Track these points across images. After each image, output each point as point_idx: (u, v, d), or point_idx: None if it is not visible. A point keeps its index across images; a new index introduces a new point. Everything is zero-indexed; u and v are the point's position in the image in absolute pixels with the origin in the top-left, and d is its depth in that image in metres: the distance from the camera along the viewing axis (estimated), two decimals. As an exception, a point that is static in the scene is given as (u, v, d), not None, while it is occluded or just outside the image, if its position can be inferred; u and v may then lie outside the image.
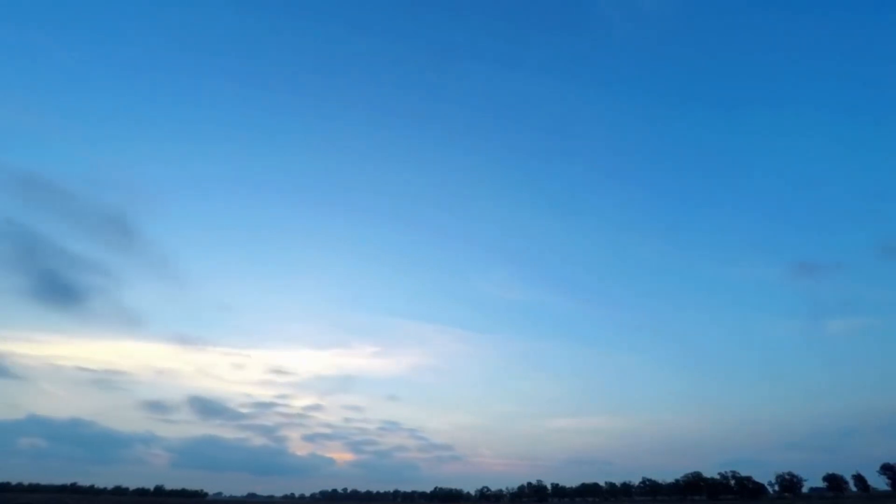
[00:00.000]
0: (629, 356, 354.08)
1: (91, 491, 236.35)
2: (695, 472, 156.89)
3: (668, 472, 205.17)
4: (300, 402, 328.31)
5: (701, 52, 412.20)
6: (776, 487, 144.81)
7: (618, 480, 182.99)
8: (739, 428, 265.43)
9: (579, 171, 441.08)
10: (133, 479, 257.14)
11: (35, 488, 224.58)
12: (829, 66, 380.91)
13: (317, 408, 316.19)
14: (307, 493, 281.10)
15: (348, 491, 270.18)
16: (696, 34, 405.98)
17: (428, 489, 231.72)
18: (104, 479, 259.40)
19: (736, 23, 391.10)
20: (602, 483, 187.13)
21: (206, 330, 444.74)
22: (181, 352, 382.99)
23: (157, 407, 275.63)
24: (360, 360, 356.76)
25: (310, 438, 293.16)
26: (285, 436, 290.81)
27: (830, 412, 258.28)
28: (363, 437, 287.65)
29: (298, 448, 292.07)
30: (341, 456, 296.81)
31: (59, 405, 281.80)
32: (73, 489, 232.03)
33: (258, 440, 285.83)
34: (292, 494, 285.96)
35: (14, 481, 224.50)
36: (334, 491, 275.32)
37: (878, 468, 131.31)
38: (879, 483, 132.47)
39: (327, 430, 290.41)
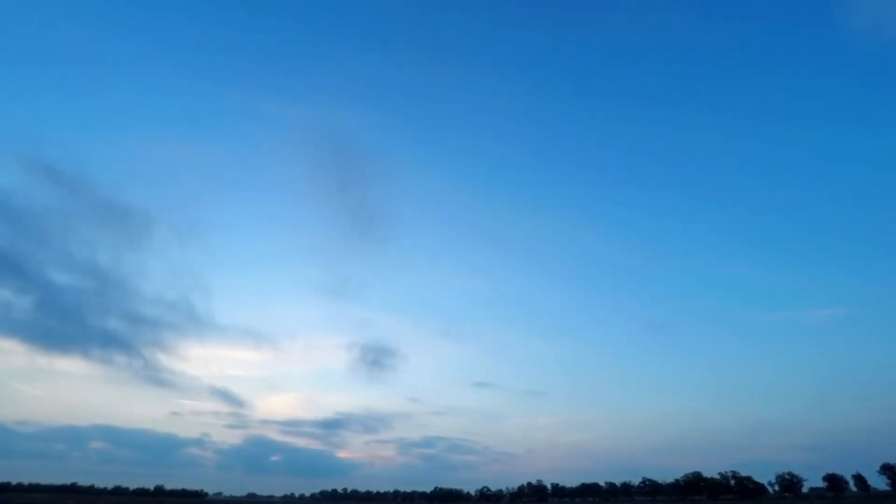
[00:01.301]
0: (629, 354, 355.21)
1: (91, 491, 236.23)
2: (695, 472, 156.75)
3: (668, 472, 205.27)
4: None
5: (695, 54, 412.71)
6: (776, 487, 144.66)
7: (618, 480, 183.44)
8: (740, 428, 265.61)
9: (577, 169, 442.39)
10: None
11: (35, 488, 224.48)
12: (824, 70, 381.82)
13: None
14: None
15: (348, 491, 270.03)
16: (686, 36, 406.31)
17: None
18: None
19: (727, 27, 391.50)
20: (602, 483, 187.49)
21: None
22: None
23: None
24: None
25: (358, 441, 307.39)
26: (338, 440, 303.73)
27: (830, 412, 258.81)
28: (410, 440, 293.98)
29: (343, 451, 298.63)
30: (381, 456, 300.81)
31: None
32: (73, 489, 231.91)
33: (307, 443, 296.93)
34: (292, 494, 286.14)
35: (14, 481, 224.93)
36: (334, 491, 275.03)
37: (878, 468, 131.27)
38: (879, 483, 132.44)
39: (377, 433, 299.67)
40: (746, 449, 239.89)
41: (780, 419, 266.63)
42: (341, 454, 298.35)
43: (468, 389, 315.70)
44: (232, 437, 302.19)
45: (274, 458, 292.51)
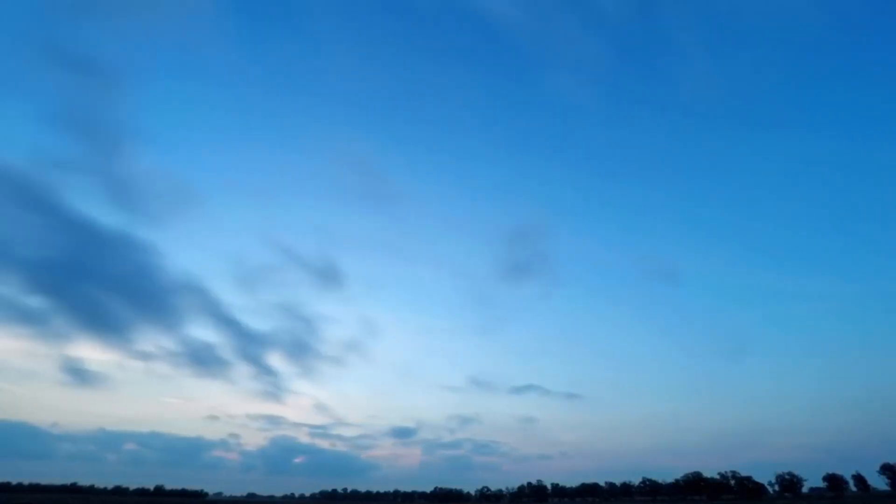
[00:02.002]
0: (629, 355, 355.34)
1: (91, 491, 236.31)
2: (695, 472, 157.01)
3: (668, 472, 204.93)
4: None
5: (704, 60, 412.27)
6: (776, 487, 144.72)
7: (618, 480, 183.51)
8: (740, 428, 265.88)
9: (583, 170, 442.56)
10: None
11: (35, 488, 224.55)
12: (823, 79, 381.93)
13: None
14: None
15: (348, 491, 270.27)
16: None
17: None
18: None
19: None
20: (602, 483, 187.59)
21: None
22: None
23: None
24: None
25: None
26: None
27: (830, 412, 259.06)
28: (437, 441, 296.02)
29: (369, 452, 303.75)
30: (404, 456, 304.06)
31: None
32: (73, 489, 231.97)
33: (342, 446, 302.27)
34: (292, 494, 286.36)
35: (15, 481, 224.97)
36: (334, 491, 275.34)
37: (878, 468, 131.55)
38: (879, 483, 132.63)
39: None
40: (746, 449, 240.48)
41: (780, 419, 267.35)
42: (365, 455, 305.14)
43: (508, 393, 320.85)
44: (320, 444, 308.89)
45: (297, 460, 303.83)
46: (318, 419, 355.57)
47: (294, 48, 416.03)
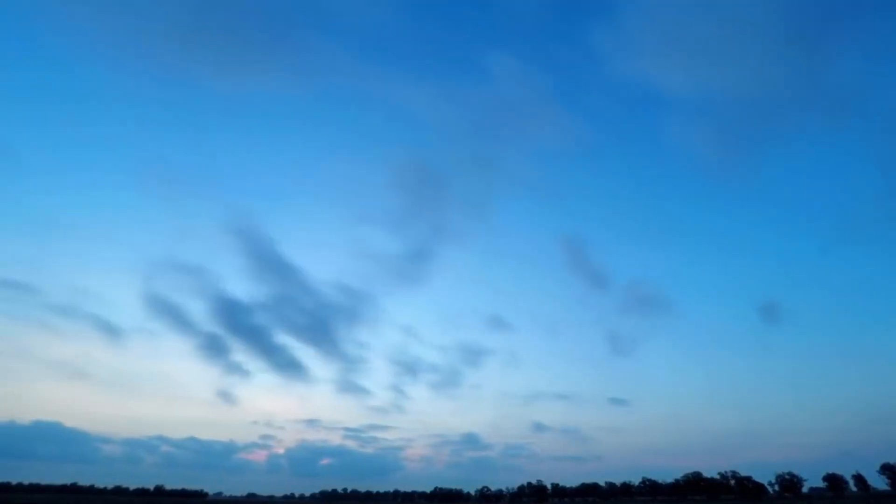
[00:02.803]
0: (629, 352, 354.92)
1: (91, 491, 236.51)
2: (695, 472, 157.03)
3: (668, 472, 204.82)
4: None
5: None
6: (776, 487, 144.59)
7: (618, 480, 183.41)
8: (740, 428, 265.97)
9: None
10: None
11: (35, 488, 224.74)
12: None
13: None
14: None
15: (348, 491, 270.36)
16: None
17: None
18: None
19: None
20: (602, 483, 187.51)
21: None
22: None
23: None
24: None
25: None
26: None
27: (830, 412, 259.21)
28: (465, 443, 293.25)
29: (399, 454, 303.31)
30: (426, 457, 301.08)
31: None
32: (73, 489, 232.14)
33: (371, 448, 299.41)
34: (292, 494, 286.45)
35: (14, 481, 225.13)
36: (334, 491, 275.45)
37: (878, 468, 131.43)
38: (879, 483, 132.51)
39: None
40: (746, 449, 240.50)
41: (780, 419, 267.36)
42: (399, 457, 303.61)
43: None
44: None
45: (324, 462, 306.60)
46: (362, 422, 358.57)
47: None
